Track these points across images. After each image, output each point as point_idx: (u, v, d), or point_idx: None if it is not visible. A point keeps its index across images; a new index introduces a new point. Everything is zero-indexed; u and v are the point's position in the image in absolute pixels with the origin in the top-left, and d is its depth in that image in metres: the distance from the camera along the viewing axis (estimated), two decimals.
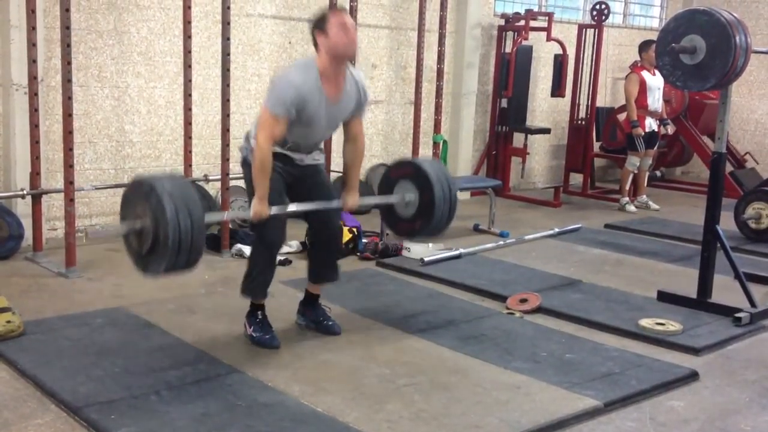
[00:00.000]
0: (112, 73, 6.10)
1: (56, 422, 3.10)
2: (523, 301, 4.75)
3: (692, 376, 3.81)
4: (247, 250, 5.64)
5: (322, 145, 4.08)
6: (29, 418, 3.13)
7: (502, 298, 4.85)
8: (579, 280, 5.38)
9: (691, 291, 4.85)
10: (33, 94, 5.18)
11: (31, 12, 5.11)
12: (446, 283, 5.22)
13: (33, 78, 5.17)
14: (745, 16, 4.81)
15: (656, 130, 8.16)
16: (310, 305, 4.23)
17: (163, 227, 3.23)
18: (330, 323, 4.18)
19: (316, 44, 3.80)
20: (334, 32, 3.71)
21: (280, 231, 3.90)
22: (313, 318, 4.20)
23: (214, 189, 6.26)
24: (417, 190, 4.13)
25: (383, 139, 7.91)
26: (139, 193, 3.39)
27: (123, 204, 3.51)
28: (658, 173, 9.88)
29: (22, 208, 5.52)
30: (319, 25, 3.78)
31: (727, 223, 5.38)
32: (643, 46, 8.03)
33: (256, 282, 3.96)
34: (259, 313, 3.97)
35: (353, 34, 3.76)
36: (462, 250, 5.91)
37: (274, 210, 3.74)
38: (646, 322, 4.40)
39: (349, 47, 3.76)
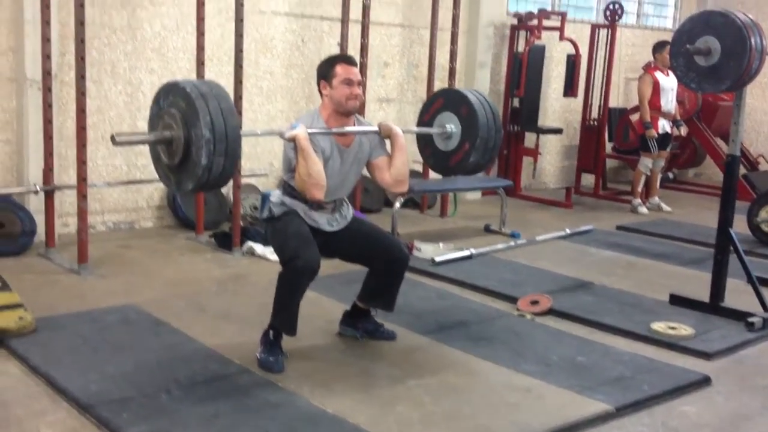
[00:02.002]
0: (125, 69, 6.11)
1: (67, 420, 3.11)
2: (534, 302, 4.73)
3: (704, 381, 3.79)
4: (258, 248, 5.64)
5: (346, 206, 3.93)
6: (40, 415, 3.13)
7: (513, 300, 4.84)
8: (590, 282, 5.36)
9: (704, 294, 4.82)
10: (47, 90, 5.20)
11: (45, 7, 5.15)
12: (457, 283, 5.21)
13: (47, 73, 5.19)
14: (760, 17, 4.79)
15: (669, 131, 8.12)
16: (361, 318, 4.10)
17: (191, 108, 3.07)
18: (386, 330, 4.11)
19: (321, 92, 3.77)
20: (337, 85, 3.67)
21: (316, 254, 3.58)
22: (367, 329, 4.08)
23: (225, 187, 6.23)
24: (454, 114, 4.06)
25: None
26: (161, 100, 3.23)
27: (150, 121, 3.34)
28: (670, 175, 9.85)
29: (35, 204, 5.53)
30: (324, 74, 3.73)
31: (739, 226, 5.34)
32: (658, 47, 7.99)
33: (284, 316, 3.66)
34: (271, 332, 3.67)
35: (357, 89, 3.69)
36: (473, 251, 5.90)
37: (313, 131, 3.58)
38: (658, 326, 4.37)
39: (351, 102, 3.69)
